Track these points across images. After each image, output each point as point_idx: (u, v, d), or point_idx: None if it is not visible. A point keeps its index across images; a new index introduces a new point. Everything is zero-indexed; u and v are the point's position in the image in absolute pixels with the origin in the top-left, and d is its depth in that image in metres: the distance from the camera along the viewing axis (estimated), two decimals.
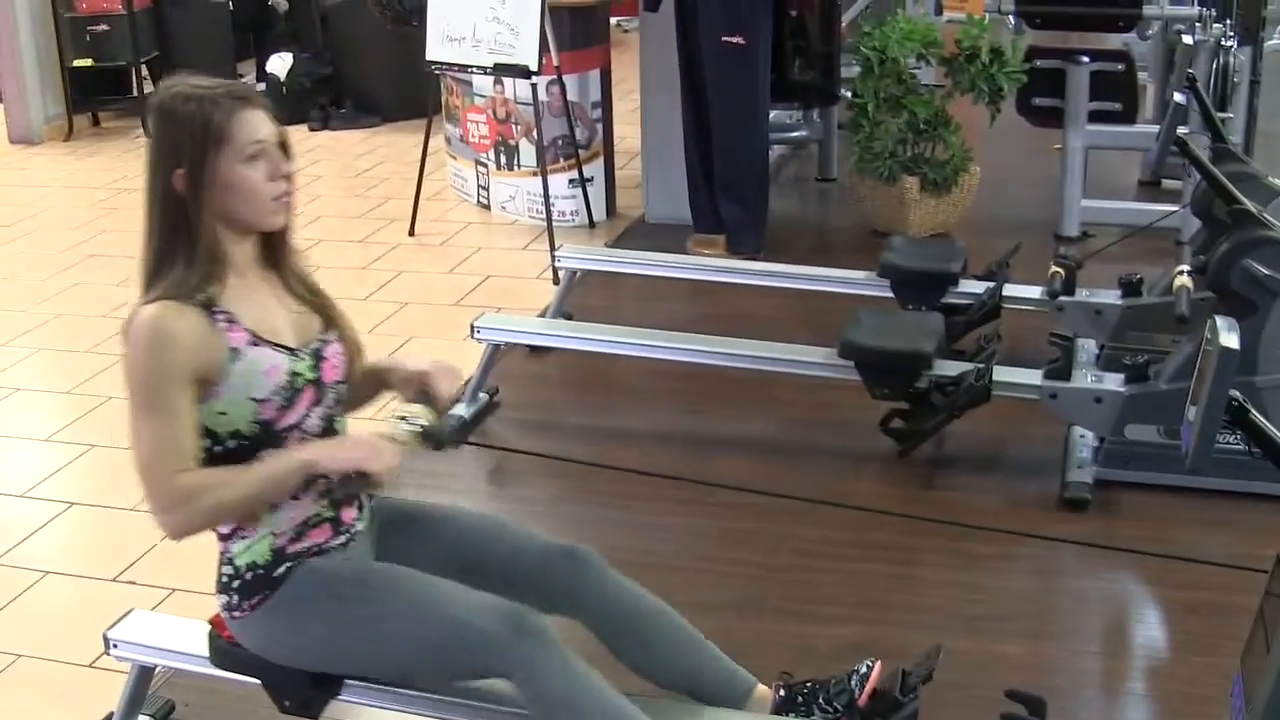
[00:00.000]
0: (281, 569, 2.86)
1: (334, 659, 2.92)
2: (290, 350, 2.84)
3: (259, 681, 3.02)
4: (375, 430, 2.82)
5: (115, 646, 3.34)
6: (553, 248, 6.70)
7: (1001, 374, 4.70)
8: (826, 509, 4.47)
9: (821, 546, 4.29)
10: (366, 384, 3.11)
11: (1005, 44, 7.06)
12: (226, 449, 2.78)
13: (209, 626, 3.06)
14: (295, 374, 2.82)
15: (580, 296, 6.20)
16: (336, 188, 9.03)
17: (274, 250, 2.92)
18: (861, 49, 7.09)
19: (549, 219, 7.16)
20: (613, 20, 9.11)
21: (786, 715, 3.04)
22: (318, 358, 2.89)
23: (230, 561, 2.88)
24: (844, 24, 8.07)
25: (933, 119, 7.09)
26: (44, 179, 9.54)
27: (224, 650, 3.03)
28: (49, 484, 5.00)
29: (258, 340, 2.78)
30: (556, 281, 6.37)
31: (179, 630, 3.41)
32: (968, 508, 4.49)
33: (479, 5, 7.07)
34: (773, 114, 7.65)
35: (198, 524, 2.75)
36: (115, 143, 10.45)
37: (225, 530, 2.87)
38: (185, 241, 2.76)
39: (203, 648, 3.29)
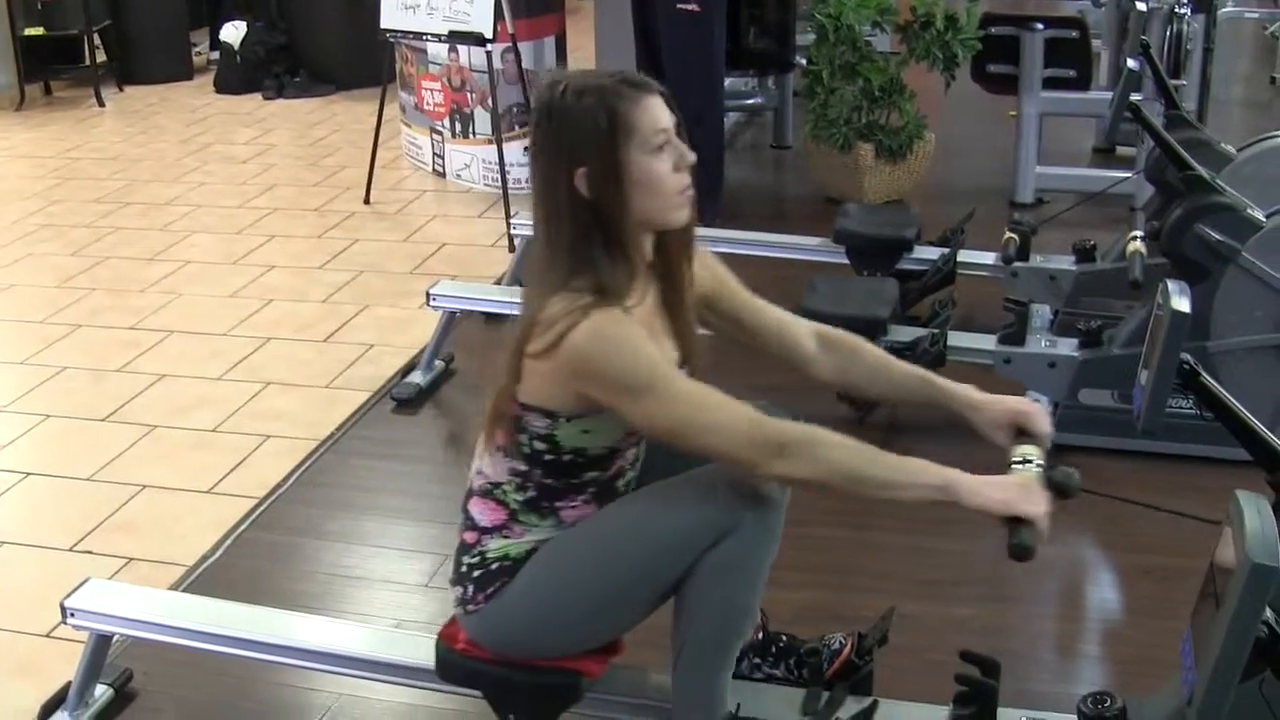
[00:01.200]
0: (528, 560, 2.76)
1: (571, 607, 2.73)
2: None
3: (480, 694, 2.92)
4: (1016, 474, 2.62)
5: (73, 615, 3.33)
6: (508, 215, 6.70)
7: (956, 339, 4.73)
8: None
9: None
10: (902, 387, 2.98)
11: (960, 11, 7.08)
12: (559, 461, 2.68)
13: (437, 639, 2.93)
14: None
15: None
16: (291, 156, 8.99)
17: (668, 252, 2.73)
18: (816, 16, 7.10)
19: (504, 187, 7.15)
20: None
21: (756, 659, 3.07)
22: None
23: (481, 554, 2.77)
24: None
25: (887, 86, 7.10)
26: None
27: (450, 662, 2.90)
28: (4, 454, 4.97)
29: None
30: (513, 249, 6.38)
31: (136, 599, 3.42)
32: None
33: None
34: (728, 81, 7.65)
35: (811, 472, 2.55)
36: (68, 112, 10.38)
37: (487, 524, 2.77)
38: (601, 244, 2.58)
39: (161, 615, 3.31)
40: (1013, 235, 5.30)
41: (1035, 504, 2.49)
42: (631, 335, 2.55)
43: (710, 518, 2.63)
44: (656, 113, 2.61)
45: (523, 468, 2.71)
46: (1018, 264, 5.28)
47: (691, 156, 2.65)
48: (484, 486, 2.78)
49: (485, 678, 2.88)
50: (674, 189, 2.63)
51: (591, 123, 2.56)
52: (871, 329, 4.71)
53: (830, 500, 4.25)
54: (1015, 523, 2.47)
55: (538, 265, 2.66)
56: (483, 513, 2.78)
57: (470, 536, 2.80)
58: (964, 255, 5.44)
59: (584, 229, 2.58)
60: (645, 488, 2.78)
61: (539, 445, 2.67)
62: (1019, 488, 2.53)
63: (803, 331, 3.02)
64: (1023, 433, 2.77)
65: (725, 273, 2.96)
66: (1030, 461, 2.64)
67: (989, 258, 5.43)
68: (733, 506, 2.63)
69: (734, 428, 2.56)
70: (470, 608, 2.80)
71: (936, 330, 4.71)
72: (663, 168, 2.61)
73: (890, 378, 2.98)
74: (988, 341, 4.70)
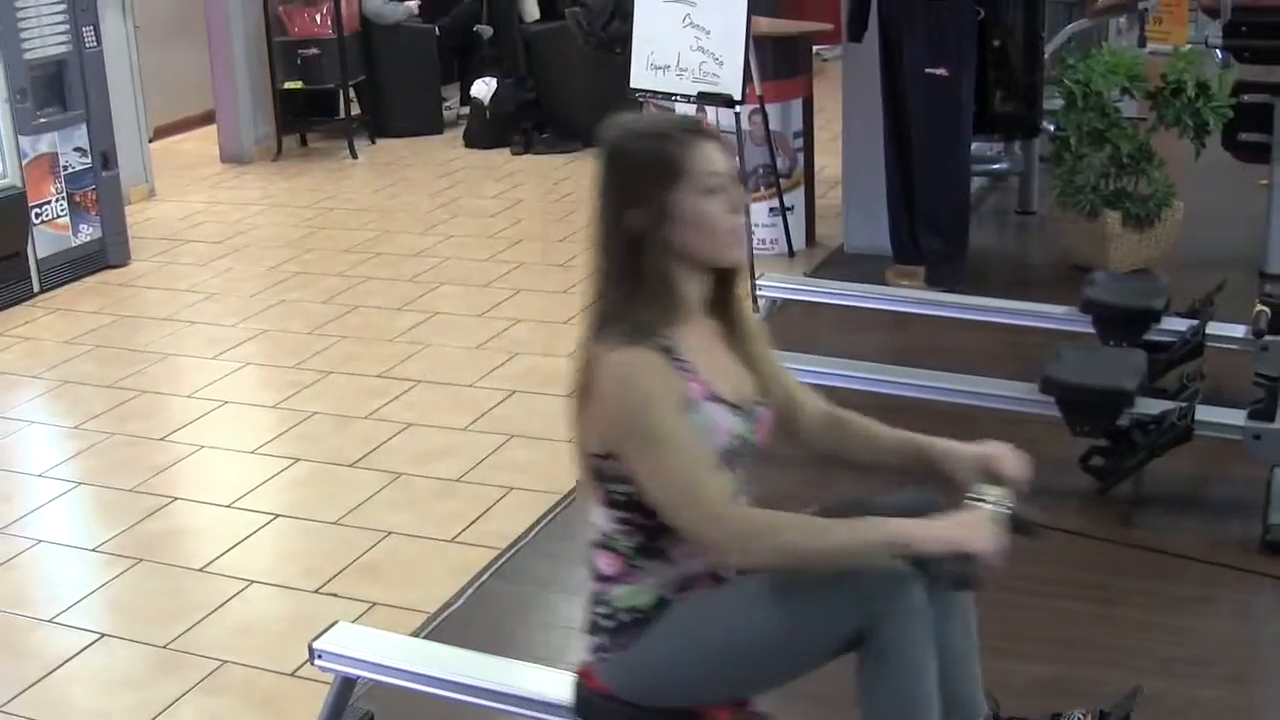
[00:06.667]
0: (660, 613, 2.79)
1: (702, 671, 2.77)
2: (737, 409, 2.77)
3: None
4: (967, 511, 2.74)
5: (320, 657, 3.42)
6: (753, 276, 6.71)
7: (1204, 413, 4.63)
8: (1026, 545, 4.43)
9: (1021, 582, 4.23)
10: (889, 452, 3.00)
11: (1211, 78, 6.94)
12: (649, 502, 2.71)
13: (575, 677, 2.96)
14: (739, 436, 2.76)
15: (779, 325, 6.21)
16: (539, 211, 9.16)
17: (724, 290, 2.85)
18: (1065, 81, 7.02)
19: (749, 247, 7.17)
20: (813, 49, 9.12)
21: None
22: (754, 420, 2.82)
23: (608, 604, 2.82)
24: (1047, 55, 8.00)
25: (1136, 153, 6.99)
26: (253, 197, 9.80)
27: (589, 701, 2.93)
28: (254, 495, 5.14)
29: (712, 396, 2.72)
30: (756, 309, 6.40)
31: (382, 643, 3.50)
32: (1167, 548, 4.43)
33: (684, 35, 7.11)
34: (974, 145, 7.61)
35: (763, 561, 2.67)
36: (321, 163, 10.69)
37: (610, 573, 2.81)
38: (642, 282, 2.71)
39: (405, 661, 3.38)
40: (1264, 308, 5.18)
41: (979, 539, 2.61)
42: (644, 380, 2.64)
43: (849, 601, 2.64)
44: (710, 157, 2.73)
45: (623, 514, 2.77)
46: (1268, 337, 5.15)
47: (746, 199, 2.71)
48: (598, 539, 2.84)
49: (618, 717, 2.91)
50: (724, 229, 2.74)
51: (647, 164, 2.71)
52: (1118, 401, 4.64)
53: (1074, 572, 4.22)
54: (965, 558, 2.60)
55: (593, 300, 2.77)
56: (603, 563, 2.84)
57: (597, 586, 2.86)
58: (1213, 327, 5.33)
59: (631, 267, 2.72)
60: None
61: (626, 489, 2.72)
62: (963, 525, 2.66)
63: (808, 402, 3.06)
64: (995, 477, 2.84)
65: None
66: (985, 500, 2.76)
67: (1239, 330, 5.30)
68: (870, 593, 2.63)
69: (706, 508, 2.63)
70: (605, 655, 2.85)
71: (1184, 404, 4.62)
72: (714, 209, 2.71)
73: (877, 445, 3.02)
74: (1237, 417, 4.59)
